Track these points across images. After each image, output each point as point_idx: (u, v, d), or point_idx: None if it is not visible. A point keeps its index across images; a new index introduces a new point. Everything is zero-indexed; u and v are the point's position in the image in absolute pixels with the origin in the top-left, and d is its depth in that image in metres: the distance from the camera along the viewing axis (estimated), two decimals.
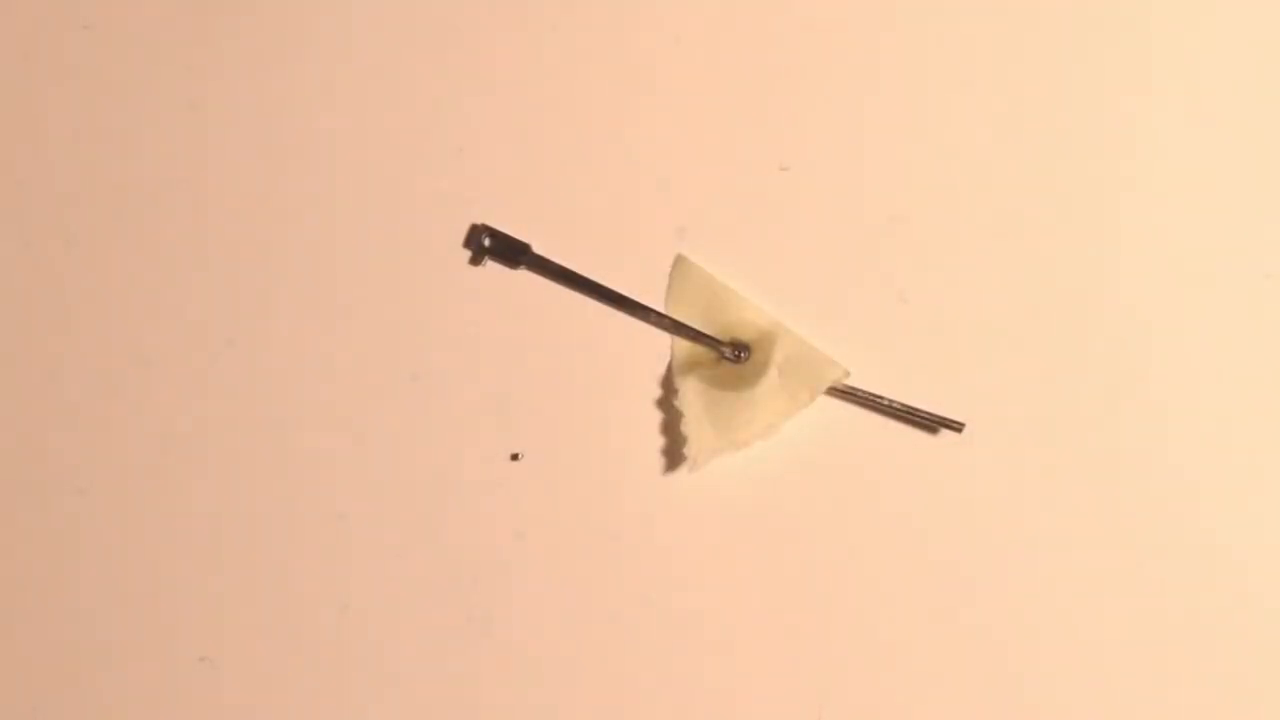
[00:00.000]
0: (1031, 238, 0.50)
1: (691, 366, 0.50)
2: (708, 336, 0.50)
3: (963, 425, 0.50)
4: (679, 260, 0.51)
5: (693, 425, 0.49)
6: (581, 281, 0.50)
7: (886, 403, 0.50)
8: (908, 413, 0.50)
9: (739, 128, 0.50)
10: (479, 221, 0.50)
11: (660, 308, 0.51)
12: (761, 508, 0.50)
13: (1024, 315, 0.50)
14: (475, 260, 0.50)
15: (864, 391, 0.50)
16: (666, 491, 0.50)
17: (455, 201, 0.50)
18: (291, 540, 0.48)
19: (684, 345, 0.51)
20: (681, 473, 0.50)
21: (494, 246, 0.50)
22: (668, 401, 0.50)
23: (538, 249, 0.50)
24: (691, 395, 0.50)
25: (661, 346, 0.50)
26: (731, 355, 0.50)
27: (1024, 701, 0.49)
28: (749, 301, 0.51)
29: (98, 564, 0.48)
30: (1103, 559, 0.50)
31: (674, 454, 0.50)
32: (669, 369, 0.50)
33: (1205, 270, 0.51)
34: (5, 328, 0.49)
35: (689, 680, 0.49)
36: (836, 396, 0.50)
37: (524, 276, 0.50)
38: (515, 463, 0.49)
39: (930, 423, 0.50)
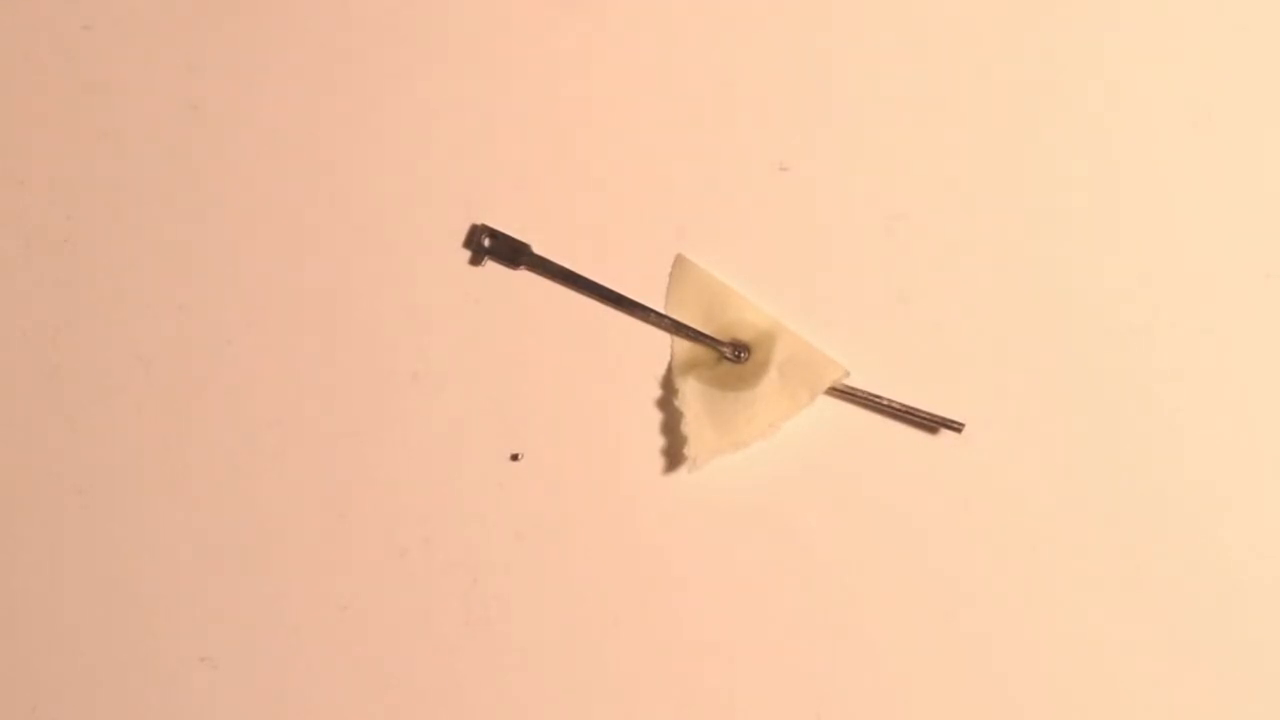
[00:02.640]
0: (1032, 238, 0.50)
1: (691, 366, 0.50)
2: (708, 336, 0.50)
3: (963, 425, 0.50)
4: (679, 260, 0.51)
5: (693, 425, 0.49)
6: (581, 281, 0.50)
7: (886, 403, 0.50)
8: (908, 413, 0.50)
9: (739, 128, 0.50)
10: (479, 221, 0.50)
11: (660, 308, 0.50)
12: (761, 508, 0.50)
13: (1024, 315, 0.50)
14: (475, 260, 0.50)
15: (864, 391, 0.50)
16: (666, 491, 0.50)
17: (455, 201, 0.50)
18: (291, 540, 0.48)
19: (684, 345, 0.51)
20: (681, 473, 0.50)
21: (494, 246, 0.50)
22: (668, 401, 0.50)
23: (538, 249, 0.50)
24: (691, 395, 0.50)
25: (661, 346, 0.50)
26: (731, 355, 0.50)
27: (1024, 701, 0.49)
28: (749, 301, 0.50)
29: (98, 564, 0.48)
30: (1102, 558, 0.50)
31: (674, 454, 0.50)
32: (669, 369, 0.50)
33: (1205, 270, 0.51)
34: (6, 328, 0.49)
35: (688, 680, 0.49)
36: (836, 396, 0.50)
37: (524, 276, 0.50)
38: (515, 463, 0.49)
39: (930, 423, 0.50)
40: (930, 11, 0.51)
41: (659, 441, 0.50)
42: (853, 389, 0.50)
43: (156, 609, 0.48)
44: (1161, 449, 0.50)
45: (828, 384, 0.50)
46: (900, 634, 0.49)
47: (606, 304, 0.50)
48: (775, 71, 0.51)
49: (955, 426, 0.50)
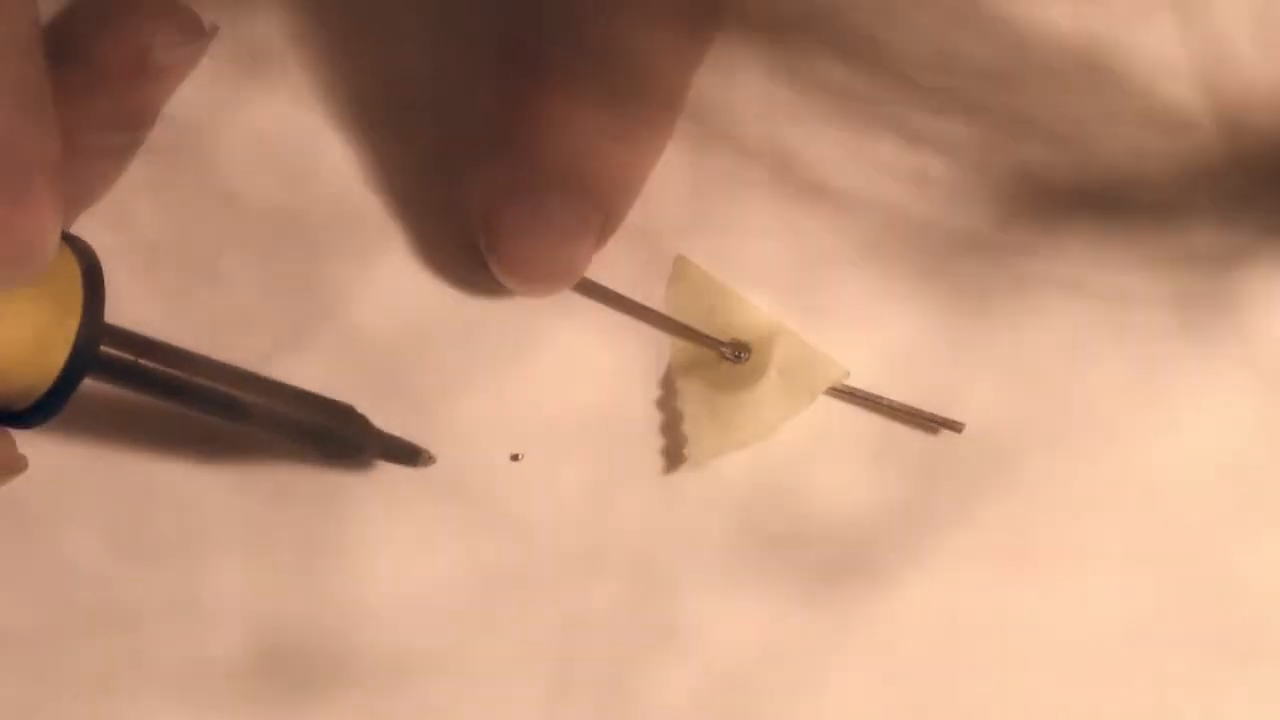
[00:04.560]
0: (1031, 237, 0.51)
1: (691, 367, 0.50)
2: (708, 337, 0.50)
3: (963, 425, 0.50)
4: (679, 260, 0.51)
5: (693, 425, 0.49)
6: (582, 282, 0.50)
7: (886, 403, 0.50)
8: (908, 413, 0.50)
9: (739, 128, 0.51)
10: None
11: (660, 308, 0.51)
12: (761, 508, 0.50)
13: (1024, 314, 0.50)
14: None
15: (864, 391, 0.50)
16: (666, 491, 0.50)
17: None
18: (290, 540, 0.48)
19: (684, 346, 0.51)
20: (681, 473, 0.50)
21: None
22: (668, 401, 0.50)
23: None
24: (691, 395, 0.50)
25: (661, 347, 0.50)
26: (731, 356, 0.50)
27: (1025, 704, 0.49)
28: (749, 302, 0.51)
29: (97, 563, 0.48)
30: (1104, 559, 0.50)
31: (674, 454, 0.50)
32: (669, 369, 0.50)
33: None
34: None
35: (688, 681, 0.49)
36: (836, 396, 0.50)
37: None
38: (515, 463, 0.49)
39: (930, 423, 0.50)
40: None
41: (659, 441, 0.50)
42: (853, 389, 0.50)
43: (157, 608, 0.48)
44: (1162, 449, 0.50)
45: (828, 384, 0.50)
46: (900, 635, 0.49)
47: (606, 304, 0.50)
48: (774, 72, 0.51)
49: (955, 426, 0.50)
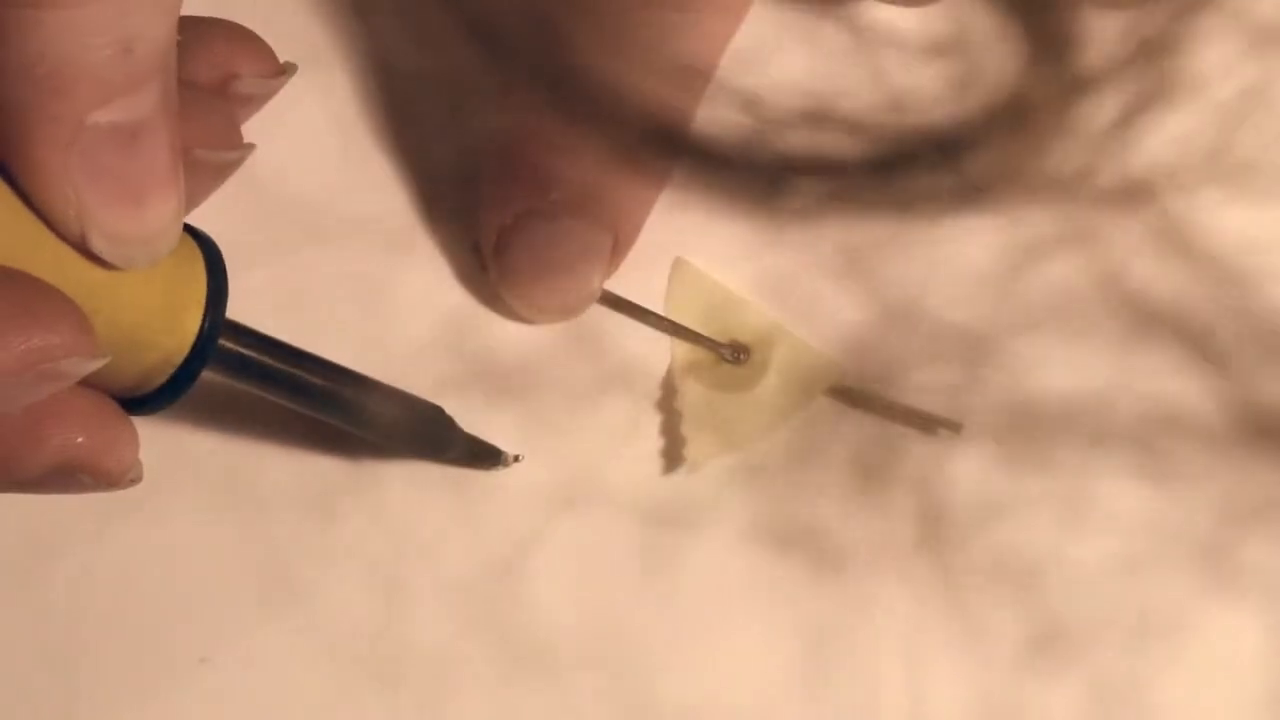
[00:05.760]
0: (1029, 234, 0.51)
1: (691, 368, 0.50)
2: (707, 338, 0.50)
3: (961, 425, 0.50)
4: (678, 262, 0.51)
5: (692, 426, 0.49)
6: None
7: (886, 403, 0.50)
8: (907, 413, 0.50)
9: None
10: None
11: (660, 309, 0.51)
12: (761, 508, 0.50)
13: (1022, 313, 0.51)
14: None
15: (864, 391, 0.50)
16: (666, 491, 0.50)
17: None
18: (291, 540, 0.48)
19: (683, 347, 0.51)
20: (681, 473, 0.50)
21: None
22: (668, 402, 0.50)
23: None
24: (691, 397, 0.50)
25: (661, 348, 0.51)
26: (731, 357, 0.50)
27: (1024, 704, 0.49)
28: (748, 303, 0.51)
29: (97, 563, 0.48)
30: (1104, 560, 0.50)
31: (674, 454, 0.50)
32: (669, 369, 0.50)
33: None
34: None
35: (688, 683, 0.49)
36: (836, 396, 0.50)
37: None
38: (515, 463, 0.49)
39: (929, 423, 0.50)
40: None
41: (659, 442, 0.50)
42: (852, 389, 0.50)
43: (156, 609, 0.48)
44: (1164, 449, 0.50)
45: (827, 385, 0.50)
46: (900, 636, 0.49)
47: (606, 305, 0.50)
48: (774, 74, 0.51)
49: (954, 427, 0.50)
